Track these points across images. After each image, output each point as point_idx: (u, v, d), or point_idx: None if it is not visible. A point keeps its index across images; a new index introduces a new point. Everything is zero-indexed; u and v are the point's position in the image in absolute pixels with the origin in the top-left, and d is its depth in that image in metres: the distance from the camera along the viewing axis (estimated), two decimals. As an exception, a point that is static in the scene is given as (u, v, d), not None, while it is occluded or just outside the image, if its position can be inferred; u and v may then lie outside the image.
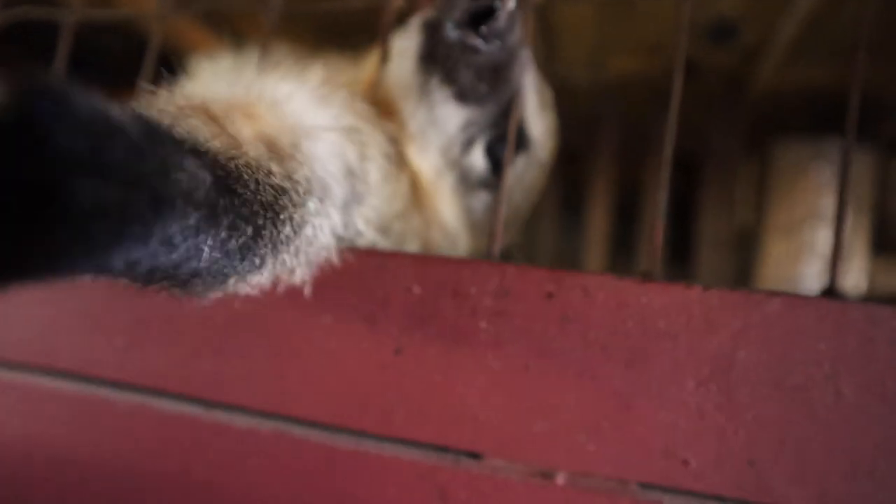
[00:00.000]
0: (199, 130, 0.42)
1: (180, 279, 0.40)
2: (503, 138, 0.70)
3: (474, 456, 0.53)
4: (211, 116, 0.47)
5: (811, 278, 2.85)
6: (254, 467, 0.58)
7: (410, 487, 0.53)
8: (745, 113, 3.29)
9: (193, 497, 0.59)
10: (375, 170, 0.61)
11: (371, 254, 0.57)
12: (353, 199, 0.58)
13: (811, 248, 2.86)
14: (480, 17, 0.61)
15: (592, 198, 3.68)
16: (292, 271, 0.51)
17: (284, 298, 0.58)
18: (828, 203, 2.92)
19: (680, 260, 3.51)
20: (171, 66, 0.66)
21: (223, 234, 0.39)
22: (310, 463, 0.56)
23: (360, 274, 0.57)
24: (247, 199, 0.42)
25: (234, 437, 0.58)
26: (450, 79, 0.69)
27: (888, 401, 0.47)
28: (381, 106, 0.70)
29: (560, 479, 0.51)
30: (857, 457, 0.47)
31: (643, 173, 3.70)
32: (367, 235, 0.61)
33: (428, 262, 0.56)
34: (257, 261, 0.44)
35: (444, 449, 0.53)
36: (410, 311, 0.55)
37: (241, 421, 0.58)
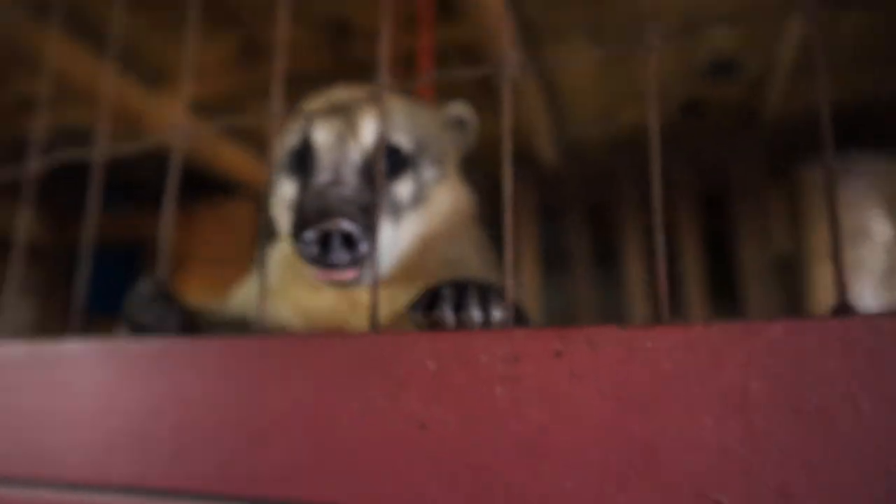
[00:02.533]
0: None
1: None
2: None
3: (509, 522, 0.53)
4: None
5: (866, 296, 2.75)
6: (302, 560, 0.59)
7: (451, 561, 0.54)
8: (763, 140, 3.29)
9: None
10: None
11: (387, 335, 0.60)
12: None
13: (859, 264, 2.78)
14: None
15: (626, 249, 3.68)
16: None
17: (317, 392, 0.61)
18: (866, 216, 2.86)
19: (725, 295, 3.45)
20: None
21: None
22: (353, 549, 0.57)
23: (380, 357, 0.60)
24: None
25: (280, 532, 0.60)
26: None
27: (908, 412, 0.47)
28: None
29: (595, 534, 0.51)
30: (885, 469, 0.46)
31: (672, 215, 3.70)
32: None
33: (438, 336, 0.58)
34: None
35: (479, 518, 0.54)
36: (428, 385, 0.57)
37: (284, 515, 0.60)
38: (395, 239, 0.85)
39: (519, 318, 0.66)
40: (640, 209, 3.64)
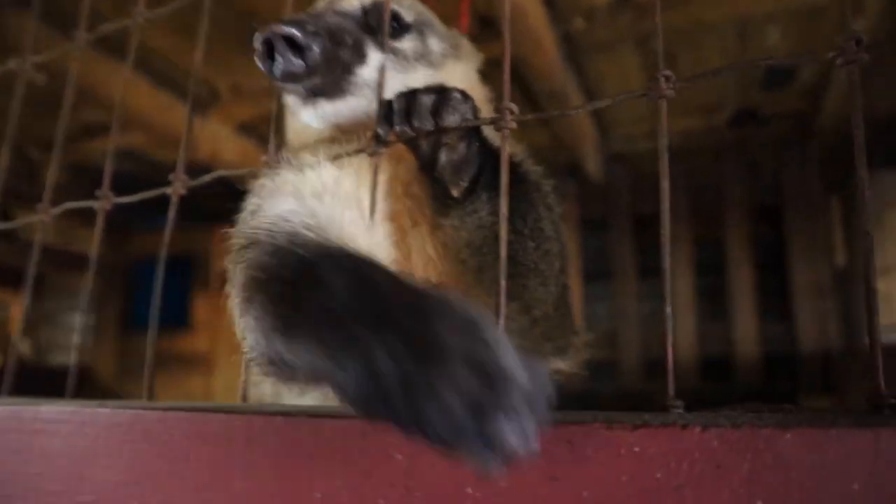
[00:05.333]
0: None
1: None
2: None
3: None
4: None
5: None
6: None
7: None
8: (819, 151, 3.10)
9: None
10: None
11: (354, 421, 0.55)
12: None
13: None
14: None
15: (674, 260, 3.51)
16: None
17: (279, 477, 0.57)
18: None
19: (779, 311, 3.27)
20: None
21: None
22: None
23: (345, 446, 0.55)
24: None
25: None
26: None
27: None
28: None
29: None
30: None
31: (721, 228, 3.52)
32: None
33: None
34: None
35: None
36: (396, 480, 0.52)
37: None
38: (397, 81, 0.84)
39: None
40: (689, 220, 3.49)
